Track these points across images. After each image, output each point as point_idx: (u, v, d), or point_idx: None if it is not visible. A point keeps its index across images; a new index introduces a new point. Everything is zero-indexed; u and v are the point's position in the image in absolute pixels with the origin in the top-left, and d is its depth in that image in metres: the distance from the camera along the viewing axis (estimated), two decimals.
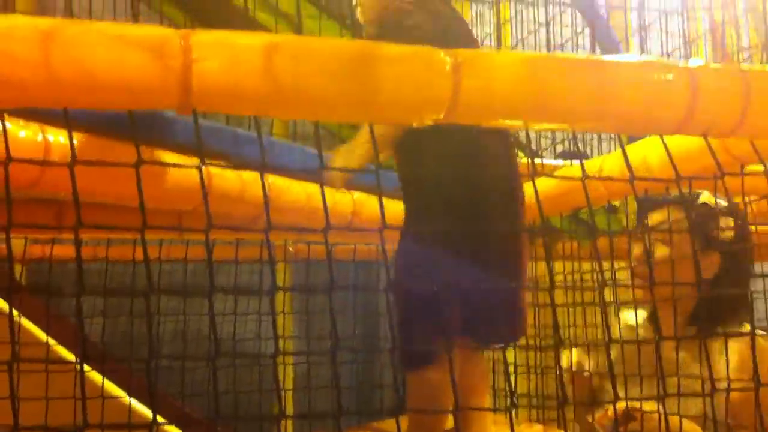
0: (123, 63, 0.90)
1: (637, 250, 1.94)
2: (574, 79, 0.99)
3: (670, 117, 1.02)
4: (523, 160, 2.28)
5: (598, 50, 3.50)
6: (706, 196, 1.90)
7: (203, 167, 1.03)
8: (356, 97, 0.96)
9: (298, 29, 2.42)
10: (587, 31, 3.74)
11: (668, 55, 3.78)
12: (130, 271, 2.63)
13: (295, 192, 2.04)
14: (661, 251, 1.83)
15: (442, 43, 0.98)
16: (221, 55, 0.92)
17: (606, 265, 2.11)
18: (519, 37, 3.76)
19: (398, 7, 1.65)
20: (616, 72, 1.01)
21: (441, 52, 0.98)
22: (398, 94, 0.97)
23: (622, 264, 2.12)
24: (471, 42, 1.77)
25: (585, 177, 1.08)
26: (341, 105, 0.97)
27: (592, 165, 1.92)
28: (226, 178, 1.88)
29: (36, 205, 1.95)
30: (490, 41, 3.75)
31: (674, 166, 1.09)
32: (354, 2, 1.75)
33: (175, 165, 1.69)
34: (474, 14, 3.99)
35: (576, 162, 2.45)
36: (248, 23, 2.92)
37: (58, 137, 1.59)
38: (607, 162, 1.96)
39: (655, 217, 1.92)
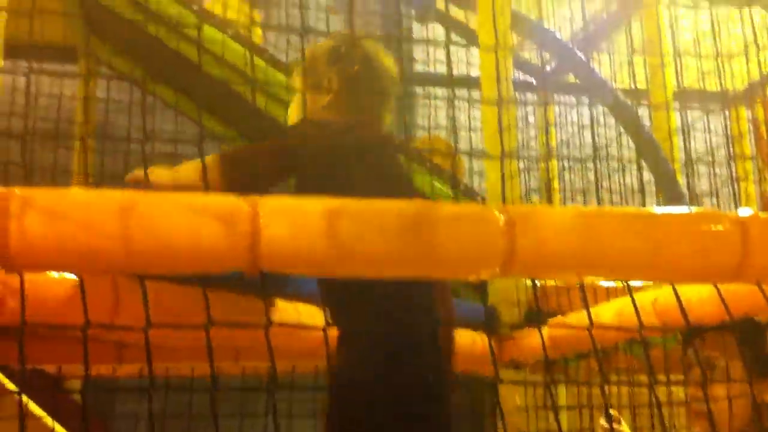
0: (195, 231, 0.95)
1: (692, 389, 1.89)
2: (627, 233, 1.02)
3: (723, 267, 1.04)
4: None
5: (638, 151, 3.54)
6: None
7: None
8: (415, 256, 1.00)
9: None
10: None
11: (711, 152, 3.80)
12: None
13: None
14: (717, 388, 1.80)
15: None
16: (287, 221, 0.97)
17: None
18: (563, 138, 3.84)
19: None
20: (668, 224, 1.04)
21: (495, 209, 1.02)
22: (455, 252, 1.01)
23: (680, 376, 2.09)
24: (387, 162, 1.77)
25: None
26: (401, 263, 1.01)
27: (646, 297, 1.92)
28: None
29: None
30: (536, 143, 3.83)
31: (728, 311, 1.11)
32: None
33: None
34: (520, 115, 4.08)
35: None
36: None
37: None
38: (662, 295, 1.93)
39: (705, 345, 1.89)
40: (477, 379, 2.68)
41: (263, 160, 1.64)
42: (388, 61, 1.89)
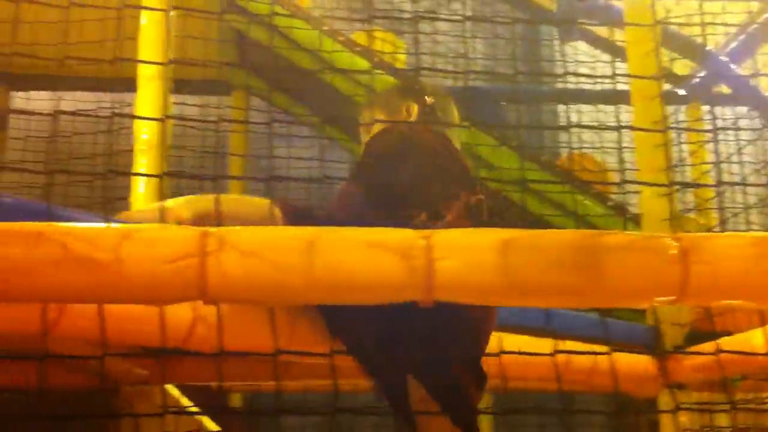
0: (374, 265, 1.01)
1: None
2: None
3: None
4: None
5: None
6: None
7: None
8: (586, 286, 1.02)
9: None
10: None
11: None
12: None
13: None
14: None
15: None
16: (460, 254, 1.01)
17: None
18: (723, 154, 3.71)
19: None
20: None
21: (667, 237, 1.02)
22: (628, 282, 1.01)
23: None
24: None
25: None
26: (571, 293, 1.03)
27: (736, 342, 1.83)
28: None
29: None
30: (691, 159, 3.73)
31: None
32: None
33: None
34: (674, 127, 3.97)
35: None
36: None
37: None
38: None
39: None
40: (634, 402, 2.62)
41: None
42: (449, 100, 2.01)
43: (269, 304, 1.06)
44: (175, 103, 3.09)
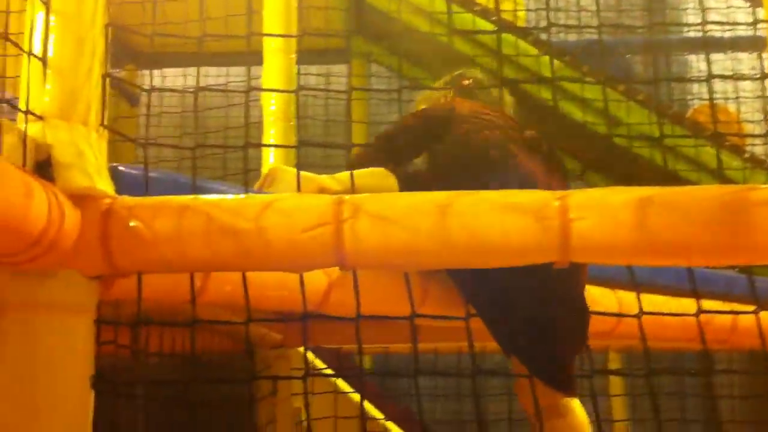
0: (508, 227, 1.01)
1: None
2: None
3: None
4: None
5: None
6: None
7: None
8: (729, 243, 0.99)
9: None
10: None
11: None
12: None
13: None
14: None
15: None
16: (596, 213, 1.00)
17: None
18: None
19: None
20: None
21: None
22: None
23: None
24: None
25: None
26: (714, 251, 1.00)
27: None
28: None
29: None
30: None
31: None
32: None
33: None
34: None
35: None
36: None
37: None
38: None
39: None
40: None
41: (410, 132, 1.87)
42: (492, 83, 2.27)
43: (404, 268, 1.07)
44: (299, 74, 3.16)
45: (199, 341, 1.74)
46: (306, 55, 3.96)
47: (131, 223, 1.04)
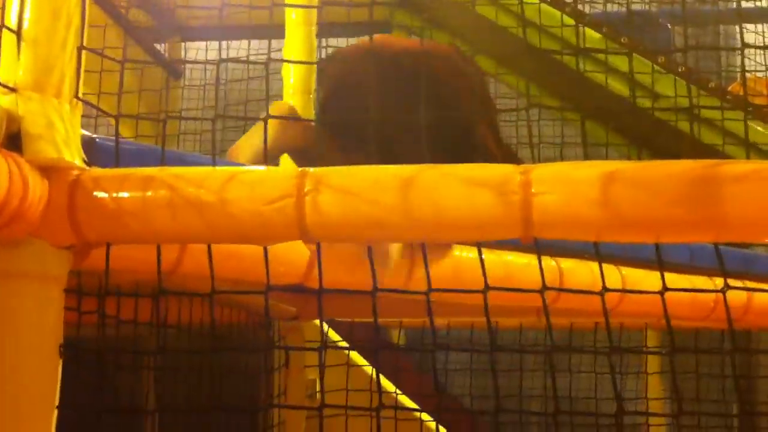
0: (470, 201, 0.99)
1: None
2: None
3: None
4: None
5: None
6: None
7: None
8: (698, 219, 0.95)
9: None
10: None
11: None
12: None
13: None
14: None
15: None
16: (559, 188, 0.97)
17: None
18: None
19: None
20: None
21: None
22: (746, 212, 0.93)
23: None
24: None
25: None
26: (683, 227, 0.96)
27: None
28: None
29: None
30: None
31: None
32: None
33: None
34: None
35: None
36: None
37: None
38: None
39: None
40: None
41: None
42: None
43: (367, 242, 1.07)
44: (327, 47, 3.15)
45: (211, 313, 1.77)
46: (336, 28, 3.96)
47: (97, 194, 1.05)
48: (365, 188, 1.01)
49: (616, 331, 3.45)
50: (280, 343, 2.27)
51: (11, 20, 1.10)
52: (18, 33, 1.10)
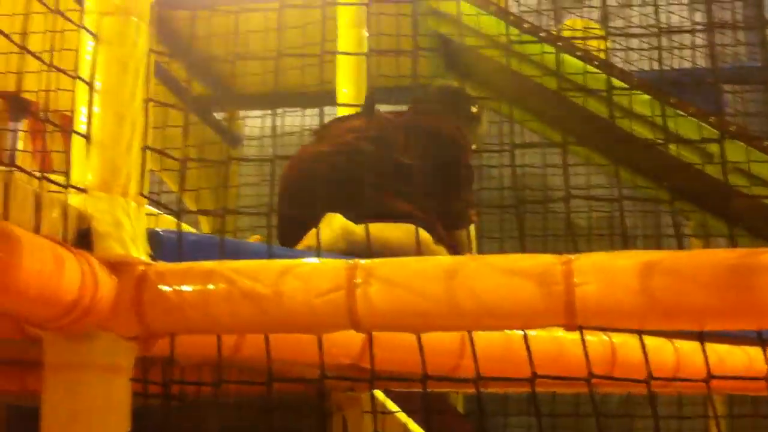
0: (513, 292, 1.02)
1: None
2: None
3: None
4: None
5: None
6: None
7: None
8: (738, 307, 0.97)
9: None
10: None
11: None
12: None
13: None
14: None
15: None
16: (600, 278, 1.00)
17: None
18: None
19: None
20: None
21: None
22: None
23: None
24: None
25: None
26: (724, 316, 0.98)
27: None
28: None
29: None
30: None
31: None
32: None
33: None
34: None
35: None
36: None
37: None
38: None
39: None
40: None
41: None
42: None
43: (415, 332, 1.11)
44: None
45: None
46: (384, 93, 4.09)
47: (161, 288, 1.11)
48: (411, 279, 1.06)
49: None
50: (337, 412, 2.30)
51: (80, 126, 1.19)
52: (87, 137, 1.18)
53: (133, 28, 1.21)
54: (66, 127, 1.21)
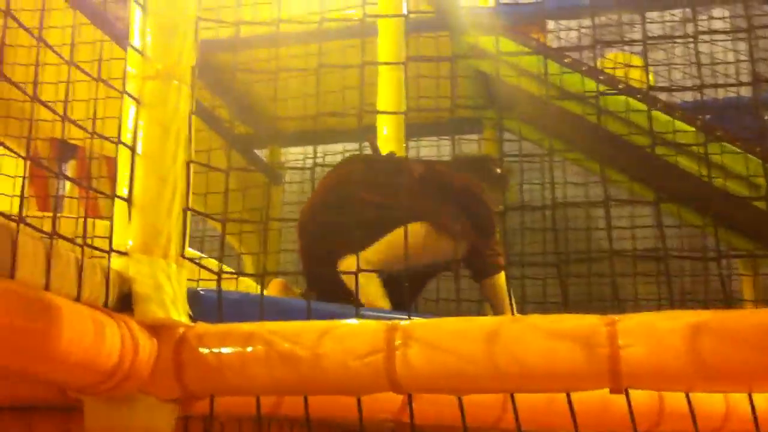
0: (555, 355, 1.00)
1: None
2: None
3: None
4: None
5: None
6: None
7: None
8: None
9: None
10: None
11: None
12: None
13: None
14: None
15: None
16: (646, 340, 0.98)
17: None
18: None
19: None
20: None
21: None
22: None
23: None
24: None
25: None
26: None
27: None
28: None
29: None
30: None
31: None
32: None
33: None
34: None
35: None
36: None
37: None
38: None
39: None
40: None
41: None
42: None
43: (455, 393, 1.09)
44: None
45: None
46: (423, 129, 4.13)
47: (201, 350, 1.11)
48: (451, 341, 1.05)
49: None
50: None
51: (123, 190, 1.20)
52: (129, 201, 1.19)
53: (174, 91, 1.22)
54: (111, 172, 1.22)
